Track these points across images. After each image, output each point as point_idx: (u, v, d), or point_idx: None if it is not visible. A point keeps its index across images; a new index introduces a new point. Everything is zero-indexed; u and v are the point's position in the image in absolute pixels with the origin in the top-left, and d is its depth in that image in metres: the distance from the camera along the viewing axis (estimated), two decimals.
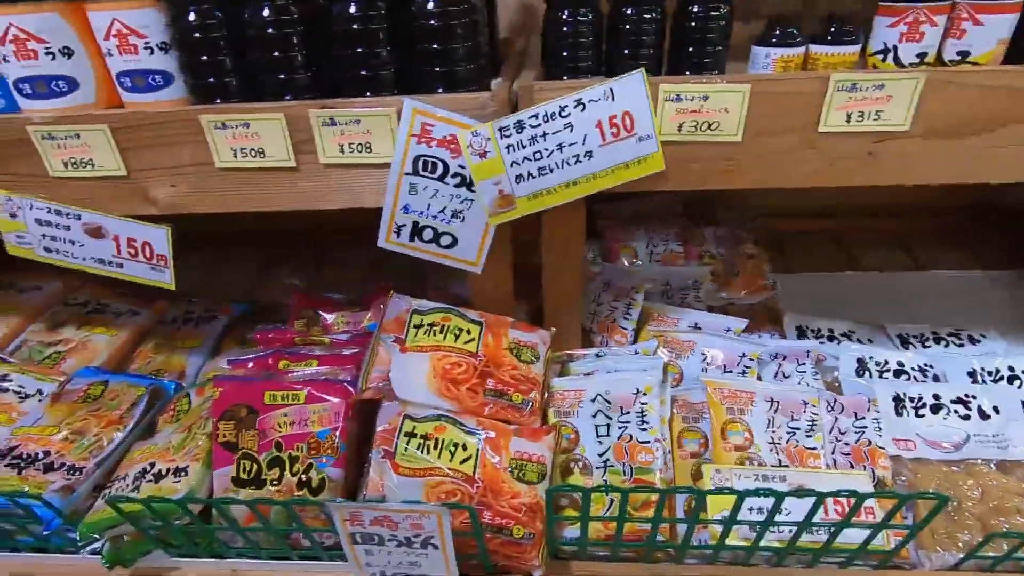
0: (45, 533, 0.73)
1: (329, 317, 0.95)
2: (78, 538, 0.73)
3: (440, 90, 0.70)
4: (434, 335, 0.81)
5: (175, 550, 0.78)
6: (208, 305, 1.10)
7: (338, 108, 0.67)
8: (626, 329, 0.96)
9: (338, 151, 0.70)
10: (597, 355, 0.92)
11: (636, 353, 0.92)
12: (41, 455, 0.77)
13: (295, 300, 0.99)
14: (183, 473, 0.75)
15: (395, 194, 0.72)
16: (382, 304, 0.87)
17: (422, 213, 0.73)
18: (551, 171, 0.70)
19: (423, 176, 0.70)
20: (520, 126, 0.67)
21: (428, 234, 0.75)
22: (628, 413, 0.80)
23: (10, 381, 0.89)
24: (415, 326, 0.83)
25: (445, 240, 0.75)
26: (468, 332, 0.83)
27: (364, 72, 0.68)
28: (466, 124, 0.67)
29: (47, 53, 0.69)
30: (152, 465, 0.77)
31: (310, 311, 0.96)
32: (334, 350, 0.87)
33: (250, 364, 0.84)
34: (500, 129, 0.67)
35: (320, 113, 0.67)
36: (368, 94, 0.69)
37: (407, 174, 0.70)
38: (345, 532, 0.68)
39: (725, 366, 0.91)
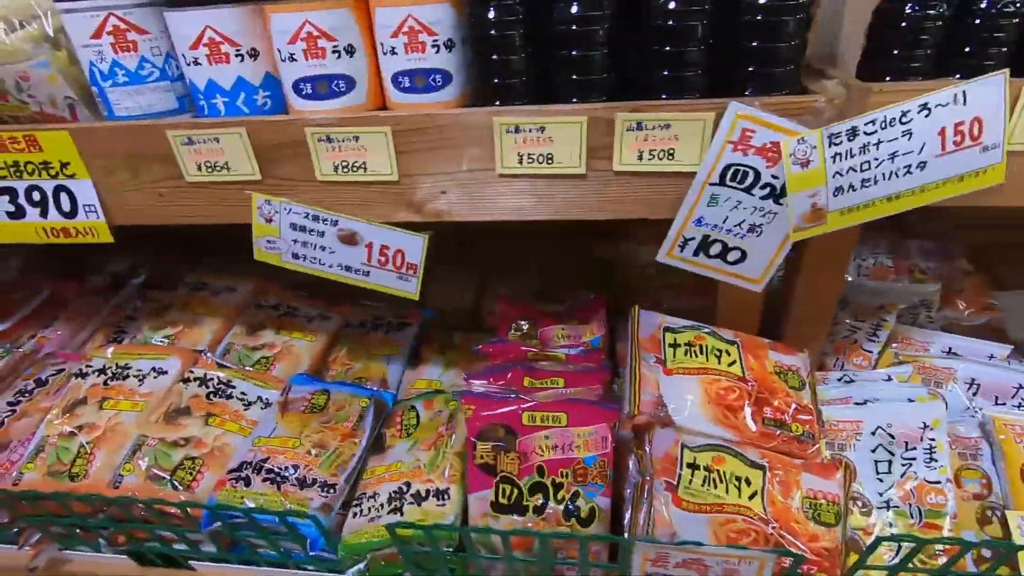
0: (311, 554, 0.71)
1: (548, 329, 0.91)
2: (339, 559, 0.70)
3: (749, 92, 0.64)
4: (695, 356, 0.76)
5: (425, 573, 0.74)
6: (395, 310, 1.07)
7: (649, 111, 0.62)
8: (870, 352, 0.88)
9: (635, 158, 0.65)
10: (844, 380, 0.85)
11: (889, 379, 0.85)
12: (291, 469, 0.75)
13: (503, 309, 0.95)
14: (445, 496, 0.71)
15: (692, 205, 0.66)
16: (596, 313, 0.82)
17: (716, 226, 0.67)
18: (875, 183, 0.63)
19: (729, 186, 0.65)
20: (853, 133, 0.61)
21: (716, 248, 0.69)
22: (914, 449, 0.73)
23: (234, 387, 0.87)
24: (671, 345, 0.77)
25: (733, 255, 0.69)
26: (727, 353, 0.77)
27: (673, 72, 0.63)
28: (794, 131, 0.61)
29: (334, 51, 0.65)
30: (408, 485, 0.73)
31: (524, 321, 0.92)
32: (571, 366, 0.82)
33: (489, 379, 0.80)
34: (830, 136, 0.61)
35: (629, 117, 0.63)
36: (665, 96, 0.63)
37: (712, 184, 0.65)
38: (641, 572, 0.63)
39: (997, 397, 0.82)
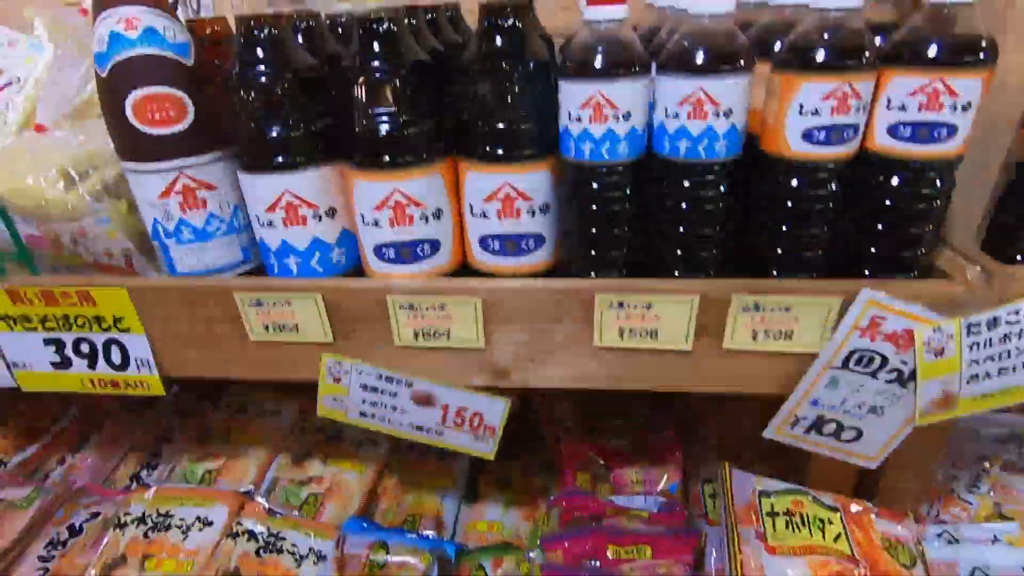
0: None
1: (621, 473, 0.85)
2: None
3: (877, 274, 0.59)
4: (797, 530, 0.70)
5: None
6: None
7: (769, 294, 0.58)
8: (968, 504, 0.83)
9: (748, 337, 0.60)
10: (946, 538, 0.79)
11: (996, 540, 0.79)
12: None
13: (568, 448, 0.89)
14: None
15: (809, 387, 0.61)
16: (673, 456, 0.76)
17: (833, 407, 0.62)
18: (1012, 371, 0.59)
19: (853, 370, 0.60)
20: (994, 323, 0.56)
21: (830, 428, 0.64)
22: None
23: (283, 540, 0.81)
24: (768, 514, 0.71)
25: (848, 434, 0.64)
26: (829, 522, 0.71)
27: (795, 251, 0.58)
28: (929, 319, 0.56)
29: (422, 217, 0.61)
30: None
31: (594, 461, 0.86)
32: (657, 528, 0.76)
33: (566, 544, 0.74)
34: (969, 326, 0.56)
35: (746, 299, 0.58)
36: (782, 274, 0.59)
37: (834, 367, 0.60)
38: None
39: None
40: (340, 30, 0.77)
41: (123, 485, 0.95)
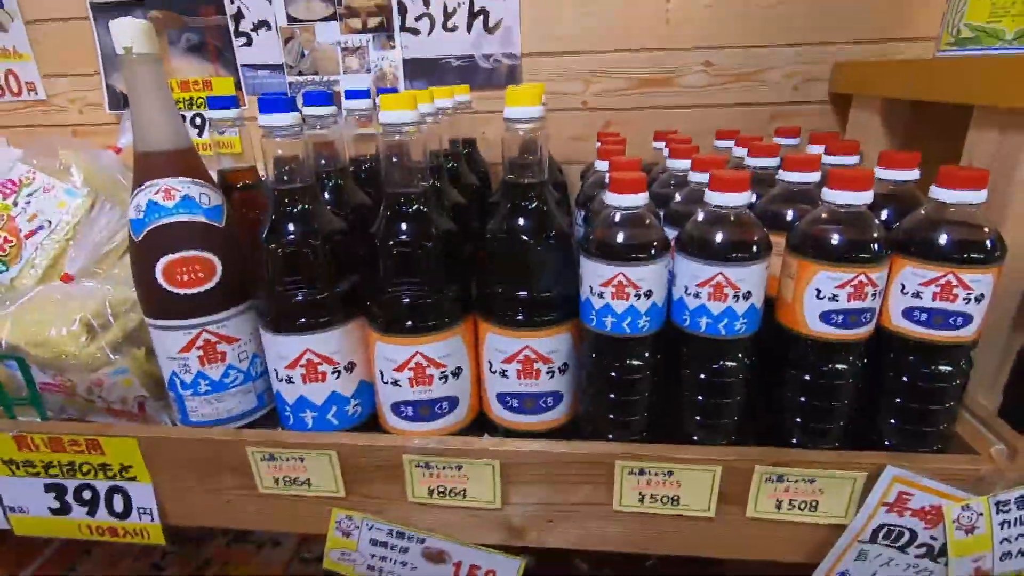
0: None
1: None
2: None
3: (890, 443, 0.59)
4: None
5: None
6: None
7: (793, 467, 0.57)
8: None
9: (773, 507, 0.58)
10: None
11: None
12: None
13: None
14: None
15: (837, 559, 0.59)
16: None
17: None
18: None
19: (881, 544, 0.58)
20: (1023, 501, 0.56)
21: None
22: None
23: None
24: None
25: None
26: None
27: (815, 422, 0.58)
28: (956, 497, 0.56)
29: (441, 377, 0.61)
30: None
31: None
32: None
33: None
34: (998, 504, 0.56)
35: (769, 470, 0.57)
36: (802, 443, 0.58)
37: (862, 541, 0.58)
38: None
39: None
40: (363, 175, 0.80)
41: None
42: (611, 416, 0.60)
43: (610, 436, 0.61)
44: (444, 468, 0.62)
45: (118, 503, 0.69)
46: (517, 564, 0.66)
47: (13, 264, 0.74)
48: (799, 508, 0.58)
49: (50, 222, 0.71)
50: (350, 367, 0.63)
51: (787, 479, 0.57)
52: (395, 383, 0.61)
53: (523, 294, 0.58)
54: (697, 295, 0.54)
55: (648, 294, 0.54)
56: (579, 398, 0.64)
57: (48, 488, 0.69)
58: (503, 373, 0.62)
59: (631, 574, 1.00)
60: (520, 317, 0.59)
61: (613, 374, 0.58)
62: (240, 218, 0.67)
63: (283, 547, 0.96)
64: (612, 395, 0.59)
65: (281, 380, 0.63)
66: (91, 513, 0.70)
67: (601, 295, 0.55)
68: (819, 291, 0.52)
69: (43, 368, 0.63)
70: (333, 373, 0.62)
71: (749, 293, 0.53)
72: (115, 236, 0.70)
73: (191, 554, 0.96)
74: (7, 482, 0.69)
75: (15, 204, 0.76)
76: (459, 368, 0.62)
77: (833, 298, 0.52)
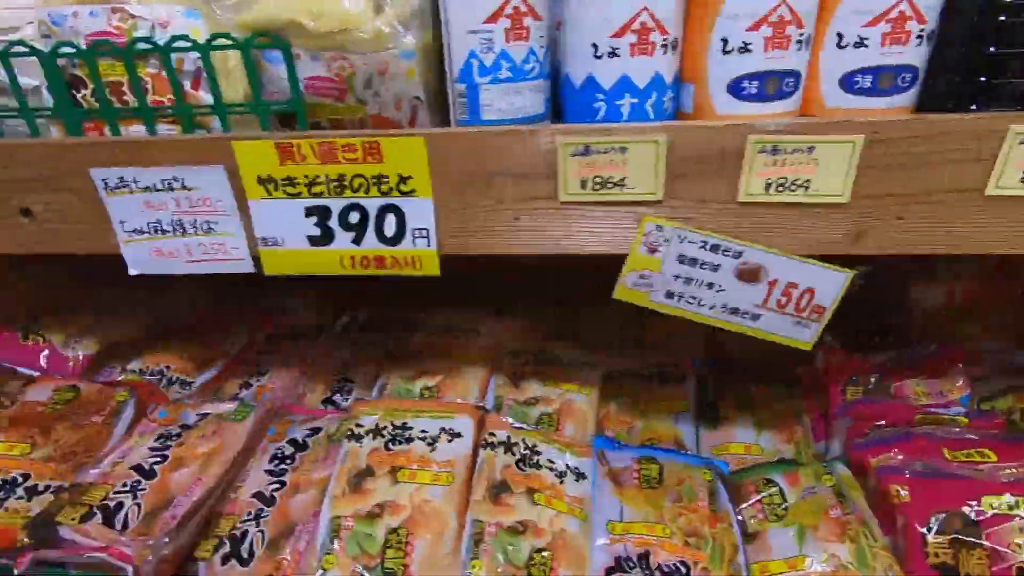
0: None
1: (903, 385, 0.76)
2: None
3: None
4: None
5: None
6: (661, 358, 0.93)
7: None
8: None
9: None
10: None
11: None
12: (681, 568, 0.59)
13: (831, 362, 0.80)
14: None
15: None
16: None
17: None
18: None
19: None
20: None
21: None
22: None
23: (539, 453, 0.72)
24: None
25: None
26: None
27: None
28: None
29: (797, 42, 0.53)
30: None
31: (866, 375, 0.77)
32: (984, 432, 0.67)
33: (895, 451, 0.65)
34: None
35: None
36: None
37: None
38: None
39: None
40: None
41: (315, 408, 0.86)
42: (996, 79, 0.53)
43: (976, 107, 0.54)
44: (793, 152, 0.55)
45: (390, 225, 0.62)
46: (843, 278, 0.60)
47: None
48: None
49: None
50: (675, 44, 0.55)
51: None
52: (743, 48, 0.53)
53: None
54: None
55: None
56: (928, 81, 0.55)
57: (310, 212, 0.63)
58: (862, 42, 0.53)
59: None
60: None
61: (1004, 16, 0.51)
62: None
63: (488, 336, 0.91)
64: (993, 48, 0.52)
65: (600, 56, 0.54)
66: (357, 240, 0.63)
67: None
68: None
69: (316, 53, 0.56)
70: (661, 47, 0.54)
71: None
72: None
73: (400, 348, 0.91)
74: (262, 207, 0.63)
75: None
76: (810, 37, 0.54)
77: None
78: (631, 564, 0.58)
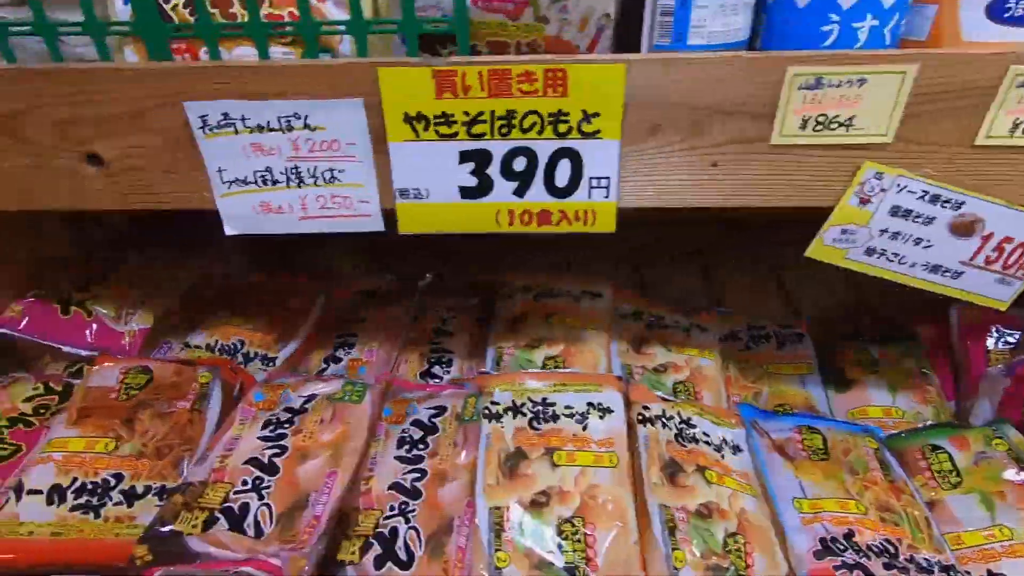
0: None
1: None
2: None
3: None
4: None
5: None
6: (777, 320, 0.87)
7: None
8: None
9: None
10: None
11: None
12: (890, 545, 0.55)
13: (966, 313, 0.77)
14: None
15: None
16: None
17: None
18: None
19: None
20: None
21: None
22: None
23: (694, 427, 0.66)
24: None
25: None
26: None
27: None
28: None
29: None
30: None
31: (1002, 330, 0.74)
32: None
33: None
34: None
35: None
36: None
37: None
38: None
39: None
40: None
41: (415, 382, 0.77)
42: None
43: None
44: None
45: (562, 174, 0.53)
46: None
47: None
48: None
49: None
50: None
51: None
52: None
53: None
54: None
55: None
56: None
57: (466, 156, 0.52)
58: None
59: None
60: None
61: None
62: None
63: (603, 299, 0.83)
64: None
65: None
66: (520, 191, 0.54)
67: None
68: None
69: None
70: None
71: None
72: None
73: (504, 315, 0.81)
74: (406, 151, 0.52)
75: None
76: None
77: None
78: (840, 546, 0.54)
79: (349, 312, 0.83)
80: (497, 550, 0.54)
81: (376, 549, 0.55)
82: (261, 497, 0.54)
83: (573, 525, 0.55)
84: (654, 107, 0.50)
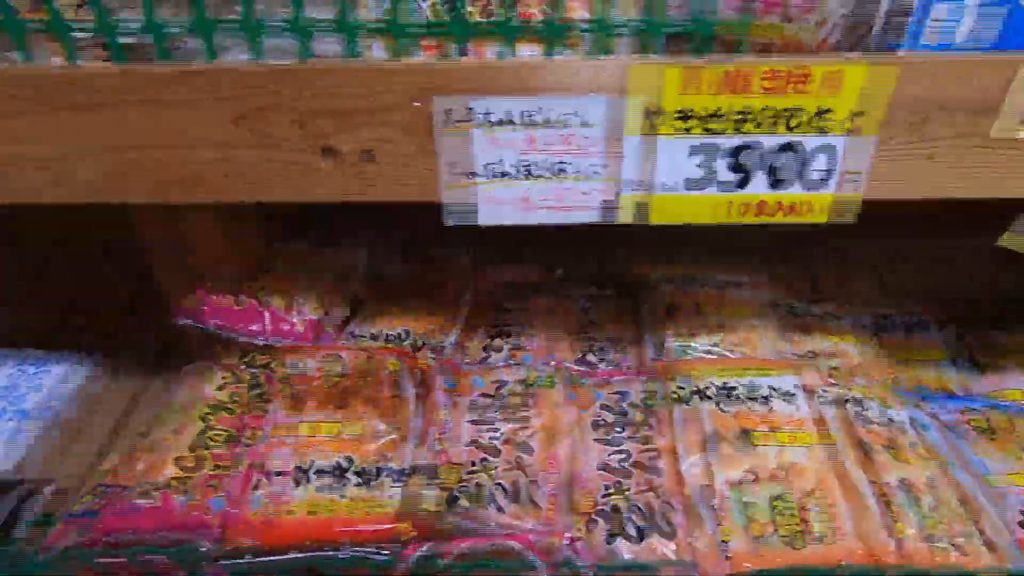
0: None
1: None
2: None
3: None
4: None
5: None
6: (904, 308, 0.91)
7: None
8: None
9: None
10: None
11: None
12: None
13: None
14: None
15: None
16: None
17: None
18: None
19: None
20: None
21: None
22: None
23: (867, 409, 0.67)
24: None
25: None
26: None
27: None
28: None
29: None
30: None
31: None
32: None
33: None
34: None
35: None
36: None
37: None
38: None
39: None
40: None
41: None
42: None
43: None
44: None
45: (787, 167, 0.55)
46: None
47: None
48: None
49: None
50: None
51: None
52: None
53: None
54: None
55: None
56: None
57: (695, 151, 0.54)
58: None
59: None
60: None
61: None
62: None
63: (760, 290, 0.86)
64: None
65: None
66: (742, 184, 0.56)
67: None
68: None
69: None
70: None
71: None
72: None
73: (665, 305, 0.84)
74: (638, 146, 0.54)
75: None
76: None
77: None
78: None
79: (498, 302, 0.85)
80: (719, 524, 0.57)
81: (601, 525, 0.58)
82: (496, 478, 0.57)
83: (785, 501, 0.58)
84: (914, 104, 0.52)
